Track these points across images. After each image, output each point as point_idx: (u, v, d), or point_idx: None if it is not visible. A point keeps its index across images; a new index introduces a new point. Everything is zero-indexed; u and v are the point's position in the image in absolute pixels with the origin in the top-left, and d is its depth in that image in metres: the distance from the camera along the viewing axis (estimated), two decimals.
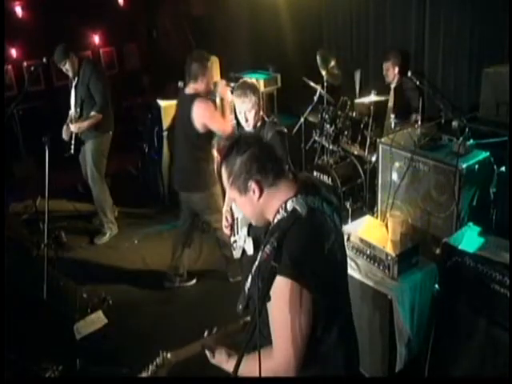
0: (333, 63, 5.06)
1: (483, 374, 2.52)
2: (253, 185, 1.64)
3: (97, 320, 3.86)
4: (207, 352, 1.83)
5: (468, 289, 2.55)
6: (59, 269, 3.57)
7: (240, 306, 1.61)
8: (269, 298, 1.45)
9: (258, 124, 3.03)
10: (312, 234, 1.59)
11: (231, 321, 1.97)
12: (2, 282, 3.36)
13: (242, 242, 3.08)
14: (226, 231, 3.24)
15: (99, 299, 4.08)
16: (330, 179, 4.71)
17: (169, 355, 1.91)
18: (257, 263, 1.54)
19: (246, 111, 2.97)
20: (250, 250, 3.04)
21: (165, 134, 5.56)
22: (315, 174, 4.89)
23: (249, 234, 3.04)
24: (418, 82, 4.24)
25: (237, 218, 3.16)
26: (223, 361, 1.79)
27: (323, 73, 5.01)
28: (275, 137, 2.92)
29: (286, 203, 1.63)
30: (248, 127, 3.03)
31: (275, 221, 1.66)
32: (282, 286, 1.50)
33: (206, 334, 1.92)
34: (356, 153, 4.74)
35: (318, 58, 5.01)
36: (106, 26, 7.09)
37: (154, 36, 7.62)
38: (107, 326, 3.81)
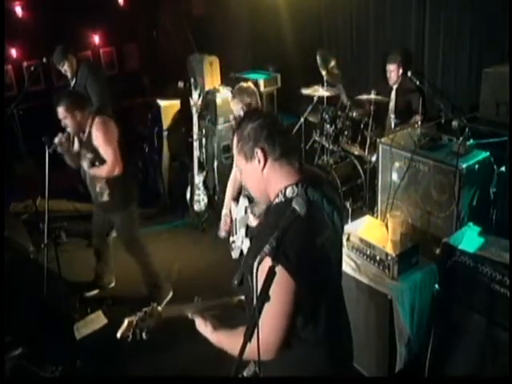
0: (333, 63, 5.05)
1: (483, 373, 2.52)
2: (259, 152, 1.65)
3: (97, 320, 3.87)
4: (195, 318, 1.88)
5: (468, 289, 2.55)
6: (59, 269, 3.56)
7: (235, 282, 1.62)
8: (268, 298, 1.45)
9: None
10: (306, 224, 1.57)
11: (226, 295, 2.00)
12: (2, 282, 3.36)
13: (240, 243, 3.09)
14: (223, 234, 3.25)
15: (99, 299, 4.08)
16: (329, 179, 4.71)
17: (159, 308, 1.94)
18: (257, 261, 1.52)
19: None
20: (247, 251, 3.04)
21: (165, 134, 5.56)
22: None
23: (247, 235, 3.04)
24: (418, 82, 4.23)
25: (235, 219, 3.16)
26: (207, 331, 1.83)
27: (323, 73, 5.01)
28: None
29: (285, 189, 1.65)
30: None
31: (273, 203, 1.68)
32: (266, 268, 1.46)
33: (196, 299, 1.97)
34: (356, 153, 4.74)
35: (318, 58, 5.00)
36: (106, 26, 7.08)
37: (154, 36, 7.62)
38: (107, 326, 3.81)
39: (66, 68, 4.62)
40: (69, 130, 3.55)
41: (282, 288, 1.52)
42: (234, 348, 1.54)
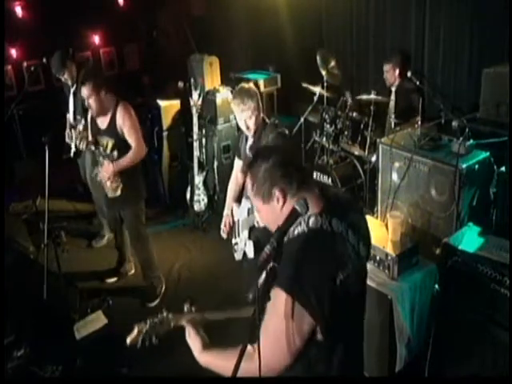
0: (333, 63, 5.06)
1: (483, 373, 2.52)
2: (277, 192, 1.59)
3: (97, 320, 3.86)
4: (189, 328, 1.84)
5: (468, 289, 2.55)
6: (59, 269, 3.56)
7: (250, 296, 1.57)
8: (269, 298, 1.45)
9: (259, 127, 2.99)
10: (327, 260, 1.52)
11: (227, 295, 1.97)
12: (2, 282, 3.36)
13: (243, 245, 3.08)
14: (224, 235, 3.24)
15: (99, 299, 4.08)
16: (330, 179, 4.71)
17: (170, 316, 1.90)
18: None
19: (246, 119, 2.91)
20: (250, 253, 3.03)
21: (165, 134, 5.56)
22: (315, 174, 4.89)
23: (250, 238, 3.03)
24: (418, 83, 4.24)
25: (238, 220, 3.15)
26: (196, 348, 1.80)
27: (323, 73, 5.01)
28: (276, 138, 2.90)
29: (309, 218, 1.57)
30: (250, 133, 3.01)
31: (295, 233, 1.58)
32: (278, 297, 1.47)
33: (186, 307, 1.93)
34: (356, 153, 4.74)
35: (318, 58, 5.01)
36: (106, 26, 7.07)
37: (154, 36, 7.61)
38: (107, 326, 3.81)
39: (66, 77, 4.59)
40: (90, 111, 3.59)
41: (298, 324, 1.47)
42: (227, 369, 1.48)
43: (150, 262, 4.13)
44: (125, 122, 3.57)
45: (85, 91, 3.49)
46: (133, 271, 4.48)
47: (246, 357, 1.43)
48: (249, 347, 1.48)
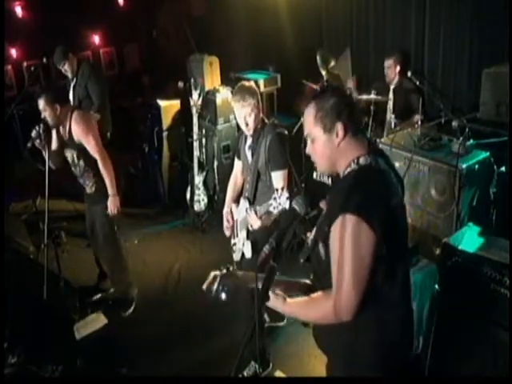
0: (333, 63, 5.05)
1: (483, 373, 2.52)
2: (339, 126, 1.71)
3: (97, 320, 3.87)
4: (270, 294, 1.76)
5: (468, 289, 2.55)
6: (59, 269, 3.56)
7: (302, 259, 1.75)
8: (267, 298, 1.45)
9: (259, 126, 2.98)
10: (381, 186, 1.68)
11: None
12: (2, 282, 3.36)
13: (241, 245, 3.08)
14: (227, 232, 3.24)
15: (99, 299, 4.08)
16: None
17: (237, 271, 1.90)
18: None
19: (245, 115, 2.91)
20: (248, 253, 3.03)
21: (165, 134, 5.56)
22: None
23: (248, 238, 3.03)
24: (417, 82, 4.24)
25: (236, 220, 3.15)
26: (278, 303, 1.77)
27: (323, 73, 5.01)
28: (275, 139, 2.90)
29: (358, 158, 1.72)
30: (248, 131, 3.00)
31: (345, 173, 1.74)
32: (345, 222, 1.55)
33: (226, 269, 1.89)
34: None
35: (318, 57, 5.00)
36: (106, 26, 7.07)
37: (154, 36, 7.61)
38: (107, 326, 3.81)
39: (66, 68, 4.63)
40: (49, 122, 3.50)
41: (361, 240, 1.55)
42: (308, 314, 1.71)
43: (117, 266, 3.97)
44: (80, 132, 3.53)
45: (40, 105, 3.46)
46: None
47: (321, 298, 1.61)
48: (319, 293, 1.64)
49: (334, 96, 1.74)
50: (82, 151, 3.58)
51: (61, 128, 3.59)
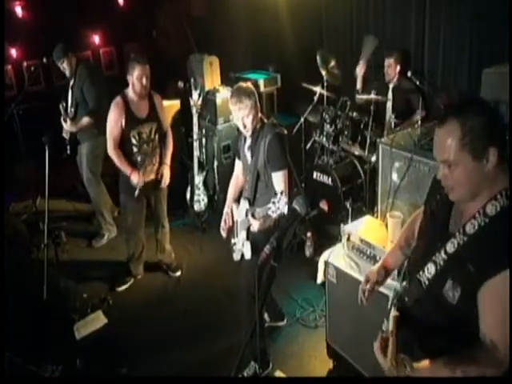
0: (333, 63, 5.06)
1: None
2: (492, 151, 1.46)
3: (97, 320, 3.87)
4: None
5: None
6: (59, 269, 3.57)
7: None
8: (268, 299, 1.45)
9: (257, 126, 2.98)
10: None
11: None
12: (2, 282, 3.37)
13: (241, 246, 3.08)
14: (223, 233, 3.24)
15: (99, 299, 4.09)
16: (330, 179, 4.71)
17: None
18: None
19: (243, 117, 2.90)
20: (247, 254, 3.03)
21: None
22: (315, 174, 4.89)
23: (247, 238, 3.03)
24: (417, 82, 4.24)
25: (236, 221, 3.15)
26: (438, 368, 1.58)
27: (323, 73, 5.01)
28: (274, 139, 2.90)
29: (506, 191, 1.49)
30: (247, 132, 3.00)
31: (487, 209, 1.51)
32: (504, 280, 1.42)
33: None
34: (356, 153, 4.74)
35: (318, 57, 5.00)
36: (106, 26, 7.08)
37: (154, 36, 7.61)
38: (107, 326, 3.81)
39: (64, 66, 4.62)
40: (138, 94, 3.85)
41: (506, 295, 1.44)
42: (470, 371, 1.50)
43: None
44: (162, 107, 4.10)
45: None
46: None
47: (478, 355, 1.48)
48: (476, 351, 1.50)
49: (477, 114, 1.47)
50: (159, 125, 3.99)
51: (136, 105, 3.88)
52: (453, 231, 1.61)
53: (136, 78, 3.77)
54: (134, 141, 3.86)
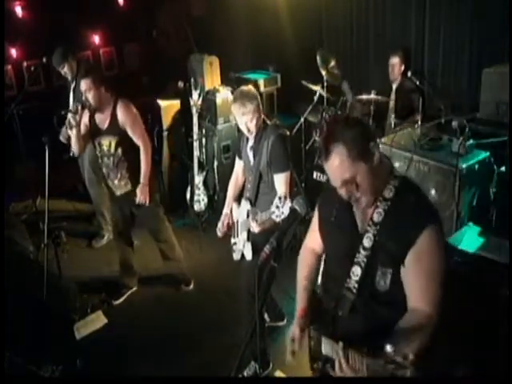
0: (333, 63, 5.05)
1: (483, 373, 2.52)
2: (372, 146, 1.64)
3: (97, 320, 3.87)
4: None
5: (468, 289, 2.55)
6: (59, 269, 3.56)
7: None
8: (267, 298, 1.45)
9: (260, 127, 2.97)
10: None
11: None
12: (2, 282, 3.36)
13: (241, 246, 3.07)
14: (219, 234, 3.24)
15: (99, 299, 4.08)
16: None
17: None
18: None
19: (247, 122, 2.90)
20: (248, 255, 3.03)
21: (165, 134, 5.55)
22: (315, 174, 4.89)
23: (248, 239, 3.03)
24: (417, 82, 4.24)
25: (237, 221, 3.14)
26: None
27: (323, 73, 5.01)
28: (277, 140, 2.89)
29: (392, 169, 1.70)
30: (251, 135, 2.99)
31: (385, 194, 1.67)
32: (432, 235, 1.54)
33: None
34: None
35: (318, 57, 5.00)
36: (106, 26, 7.07)
37: (154, 36, 7.61)
38: (107, 326, 3.81)
39: (65, 70, 4.59)
40: (88, 106, 3.51)
41: (443, 247, 1.58)
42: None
43: (174, 241, 4.23)
44: (127, 119, 3.55)
45: (84, 85, 3.44)
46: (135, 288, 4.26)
47: (410, 319, 1.57)
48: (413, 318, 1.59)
49: (348, 127, 1.63)
50: (123, 139, 3.57)
51: (98, 114, 3.57)
52: (363, 230, 1.69)
53: (83, 91, 3.52)
54: (97, 151, 3.68)
